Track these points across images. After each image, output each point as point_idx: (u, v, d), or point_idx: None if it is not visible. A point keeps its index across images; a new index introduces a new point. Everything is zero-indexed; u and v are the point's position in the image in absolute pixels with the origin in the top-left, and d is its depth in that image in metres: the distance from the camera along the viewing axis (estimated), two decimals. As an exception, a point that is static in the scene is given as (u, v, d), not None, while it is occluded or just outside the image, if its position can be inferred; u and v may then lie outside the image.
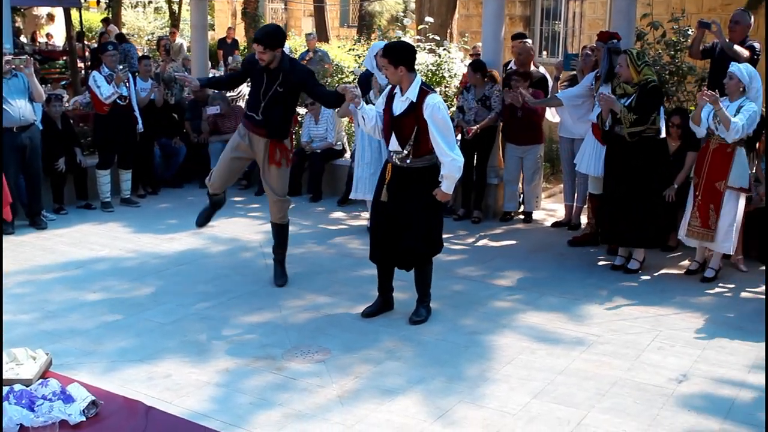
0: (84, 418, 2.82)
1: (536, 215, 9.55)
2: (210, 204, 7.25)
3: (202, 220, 7.30)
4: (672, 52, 9.19)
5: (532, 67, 9.42)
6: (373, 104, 7.66)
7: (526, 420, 4.72)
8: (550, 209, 10.03)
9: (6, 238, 8.42)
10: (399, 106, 5.91)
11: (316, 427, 4.60)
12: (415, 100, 5.80)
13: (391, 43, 6.36)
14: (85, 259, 7.78)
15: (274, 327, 6.09)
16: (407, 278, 6.39)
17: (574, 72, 8.67)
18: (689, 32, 9.06)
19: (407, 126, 5.83)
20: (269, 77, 6.61)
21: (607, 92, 7.43)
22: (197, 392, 5.00)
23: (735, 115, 6.87)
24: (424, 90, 5.85)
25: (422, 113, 5.77)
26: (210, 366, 5.38)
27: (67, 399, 2.91)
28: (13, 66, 8.40)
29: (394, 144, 5.95)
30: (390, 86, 6.09)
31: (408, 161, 5.91)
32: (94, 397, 2.89)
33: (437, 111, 5.74)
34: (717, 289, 7.08)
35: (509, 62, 9.77)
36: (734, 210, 7.07)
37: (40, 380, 3.03)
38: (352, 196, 8.87)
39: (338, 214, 9.69)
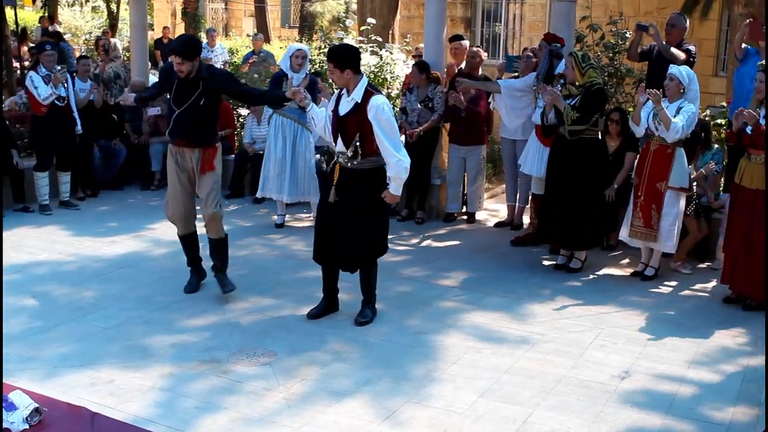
0: (27, 426, 2.77)
1: (479, 216, 9.62)
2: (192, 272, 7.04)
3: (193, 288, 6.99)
4: (611, 54, 9.33)
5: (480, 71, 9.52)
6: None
7: (473, 419, 4.75)
8: (493, 209, 10.10)
9: (-60, 243, 8.20)
10: (345, 106, 5.92)
11: (264, 430, 4.58)
12: (359, 101, 5.82)
13: (334, 46, 6.35)
14: (23, 263, 7.62)
15: (218, 330, 6.04)
16: (352, 279, 6.38)
17: (516, 73, 8.74)
18: (627, 35, 9.21)
19: (352, 126, 5.85)
20: (189, 87, 6.47)
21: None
22: (141, 397, 4.93)
23: (674, 116, 6.99)
24: (369, 91, 5.87)
25: (366, 114, 5.79)
26: (154, 370, 5.31)
27: (9, 407, 2.85)
28: None
29: (340, 144, 5.97)
30: (340, 88, 6.09)
31: (354, 162, 5.92)
32: (37, 405, 2.84)
33: (381, 112, 5.76)
34: (657, 288, 7.21)
35: (452, 64, 9.83)
36: (675, 210, 7.20)
37: (-19, 388, 2.96)
38: (258, 194, 9.05)
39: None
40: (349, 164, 5.94)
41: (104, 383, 5.11)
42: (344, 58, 5.84)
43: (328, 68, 5.96)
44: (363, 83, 5.87)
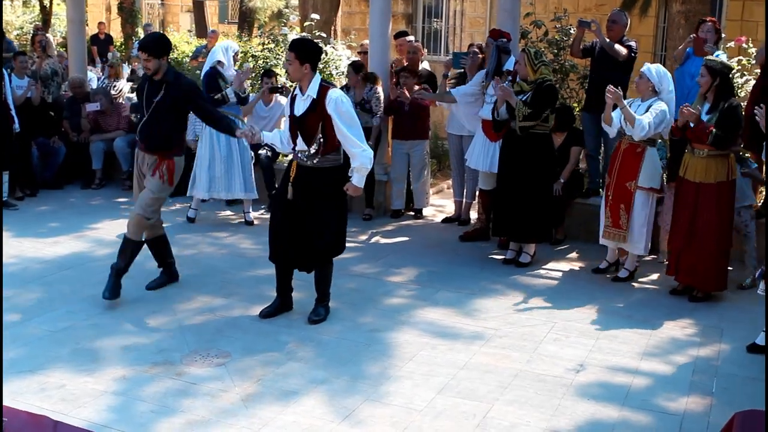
0: (-13, 437, 2.67)
1: (426, 212, 9.63)
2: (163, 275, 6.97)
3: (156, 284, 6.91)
4: (555, 51, 9.41)
5: (420, 65, 9.52)
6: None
7: (433, 416, 4.74)
8: (439, 205, 10.13)
9: None
10: (301, 105, 5.87)
11: (222, 432, 4.51)
12: (316, 97, 5.77)
13: (298, 38, 6.32)
14: (-39, 266, 7.40)
15: (169, 331, 5.94)
16: (304, 277, 6.32)
17: (463, 69, 8.76)
18: (572, 31, 9.30)
19: (312, 123, 5.79)
20: (152, 88, 6.41)
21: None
22: (94, 402, 4.82)
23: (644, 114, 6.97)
24: (324, 86, 5.84)
25: (325, 109, 5.74)
26: (106, 374, 5.20)
27: (-33, 417, 2.74)
28: None
29: (300, 144, 5.89)
30: (292, 90, 6.06)
31: (314, 160, 5.86)
32: (-3, 414, 2.74)
33: (341, 104, 5.74)
34: (606, 281, 7.29)
35: (398, 60, 9.83)
36: (645, 210, 7.11)
37: (-64, 398, 2.85)
38: (196, 194, 8.95)
39: (228, 214, 9.53)
40: (308, 162, 5.88)
41: (55, 388, 4.99)
42: (307, 52, 5.80)
43: (288, 58, 5.87)
44: (317, 79, 5.84)
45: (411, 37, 9.85)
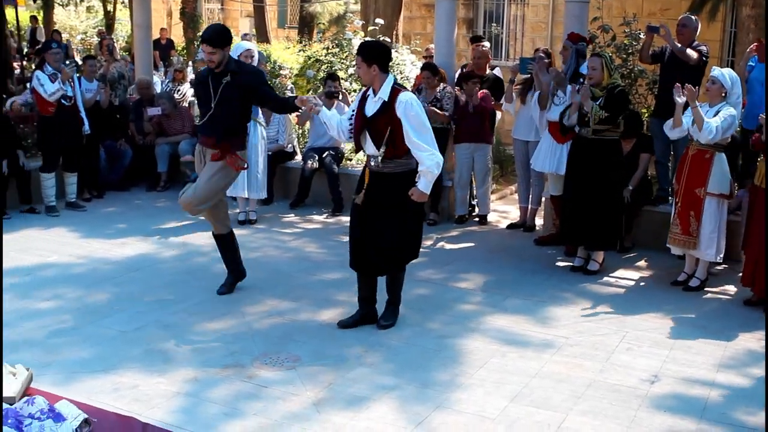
0: (77, 437, 2.68)
1: (490, 217, 9.55)
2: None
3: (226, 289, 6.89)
4: (624, 56, 9.26)
5: (488, 70, 9.47)
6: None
7: (506, 424, 4.67)
8: (502, 211, 10.05)
9: (-53, 245, 8.08)
10: (371, 107, 5.79)
11: (295, 436, 4.50)
12: (387, 99, 5.69)
13: (365, 41, 6.26)
14: (33, 266, 7.51)
15: (239, 334, 5.95)
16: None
17: (530, 75, 8.68)
18: (641, 36, 9.14)
19: (381, 126, 5.71)
20: (216, 81, 6.38)
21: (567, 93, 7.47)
22: (166, 403, 4.83)
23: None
24: (396, 88, 5.74)
25: (395, 112, 5.65)
26: (177, 375, 5.21)
27: (57, 417, 2.75)
28: None
29: (369, 147, 5.81)
30: (363, 88, 6.00)
31: (386, 166, 5.76)
32: (86, 415, 2.75)
33: (410, 107, 5.64)
34: (676, 290, 7.14)
35: (465, 65, 9.80)
36: (715, 217, 6.96)
37: (25, 398, 2.87)
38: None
39: (291, 218, 9.55)
40: (380, 167, 5.78)
41: (128, 388, 5.02)
42: (372, 53, 5.74)
43: (356, 62, 5.85)
44: (389, 81, 5.75)
45: (486, 43, 9.80)
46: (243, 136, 6.64)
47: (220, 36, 6.33)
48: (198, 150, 6.69)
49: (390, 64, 5.99)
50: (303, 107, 6.15)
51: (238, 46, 8.42)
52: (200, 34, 18.82)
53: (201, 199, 6.45)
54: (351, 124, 5.97)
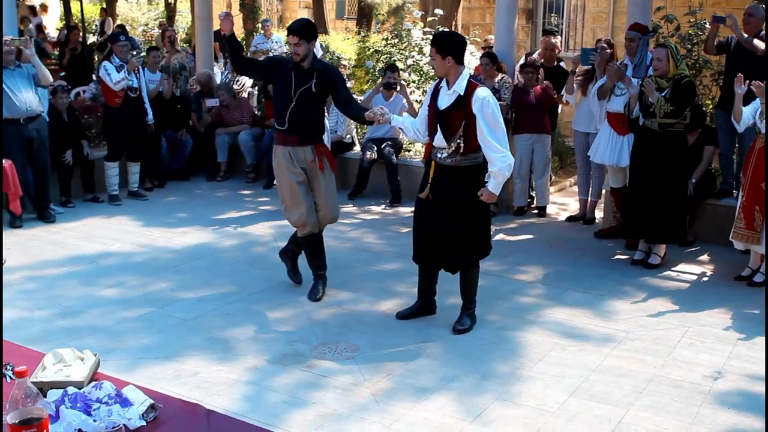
0: (144, 423, 2.70)
1: (549, 209, 9.48)
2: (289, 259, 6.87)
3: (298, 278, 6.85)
4: (688, 46, 9.10)
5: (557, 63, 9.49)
6: None
7: (566, 418, 4.64)
8: (562, 203, 9.97)
9: (15, 232, 8.29)
10: (445, 99, 5.63)
11: (354, 426, 4.50)
12: (463, 94, 5.53)
13: (440, 32, 6.18)
14: (96, 254, 7.66)
15: (298, 323, 5.99)
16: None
17: (591, 66, 8.57)
18: (706, 25, 8.97)
19: (455, 120, 5.55)
20: (301, 76, 6.24)
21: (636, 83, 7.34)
22: (228, 391, 4.90)
23: None
24: (473, 83, 5.58)
25: (471, 107, 5.49)
26: (238, 363, 5.27)
27: (125, 402, 2.79)
28: (14, 47, 8.26)
29: (439, 140, 5.65)
30: (437, 80, 5.89)
31: (453, 159, 5.63)
32: (152, 401, 2.78)
33: (487, 105, 5.46)
34: (740, 285, 7.00)
35: (531, 53, 9.77)
36: None
37: (93, 382, 2.91)
38: None
39: (350, 208, 9.57)
40: (448, 161, 5.65)
41: (189, 375, 5.09)
42: (447, 45, 5.56)
43: (430, 53, 5.73)
44: (465, 75, 5.58)
45: (557, 38, 9.82)
46: (322, 130, 6.55)
47: (305, 28, 6.26)
48: (283, 151, 6.37)
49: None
50: (373, 122, 6.04)
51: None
52: (259, 24, 19.01)
53: (336, 205, 6.53)
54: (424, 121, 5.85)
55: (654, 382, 5.12)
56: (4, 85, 8.22)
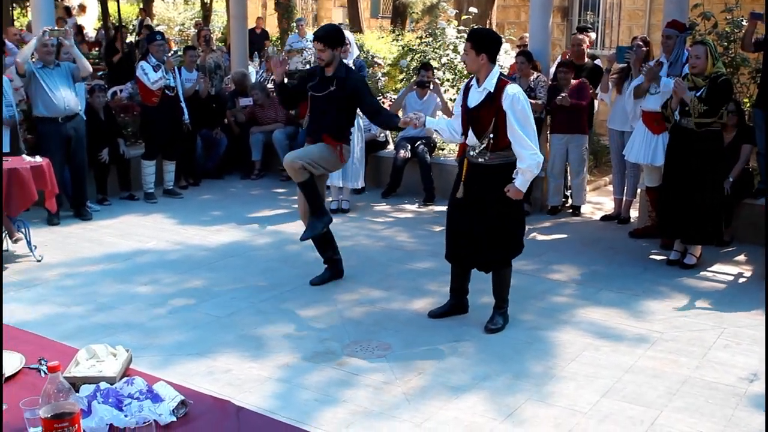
0: (174, 419, 2.72)
1: (584, 209, 9.41)
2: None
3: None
4: (725, 44, 8.98)
5: (587, 59, 9.36)
6: None
7: (598, 419, 4.60)
8: (596, 202, 9.90)
9: (51, 229, 8.40)
10: (475, 97, 5.63)
11: (385, 425, 4.50)
12: (492, 91, 5.52)
13: (476, 28, 6.16)
14: (132, 251, 7.73)
15: (330, 321, 6.01)
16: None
17: (627, 64, 8.50)
18: (743, 23, 8.86)
19: (485, 118, 5.55)
20: (322, 82, 6.42)
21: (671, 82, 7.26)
22: (259, 388, 4.92)
23: None
24: (503, 80, 5.57)
25: (501, 104, 5.48)
26: (270, 361, 5.30)
27: (156, 398, 2.81)
28: (53, 36, 8.36)
29: (471, 138, 5.65)
30: (468, 79, 5.89)
31: (484, 158, 5.61)
32: (183, 397, 2.80)
33: (517, 102, 5.45)
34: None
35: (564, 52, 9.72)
36: None
37: (125, 378, 2.94)
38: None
39: (383, 207, 9.58)
40: (480, 159, 5.64)
41: (221, 372, 5.12)
42: (484, 42, 5.55)
43: (464, 49, 5.70)
44: (495, 72, 5.57)
45: (589, 36, 9.74)
46: (347, 136, 6.63)
47: (330, 35, 6.36)
48: None
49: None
50: (406, 126, 6.15)
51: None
52: (293, 23, 19.10)
53: (302, 157, 6.42)
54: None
55: (688, 383, 5.06)
56: (43, 83, 8.35)
